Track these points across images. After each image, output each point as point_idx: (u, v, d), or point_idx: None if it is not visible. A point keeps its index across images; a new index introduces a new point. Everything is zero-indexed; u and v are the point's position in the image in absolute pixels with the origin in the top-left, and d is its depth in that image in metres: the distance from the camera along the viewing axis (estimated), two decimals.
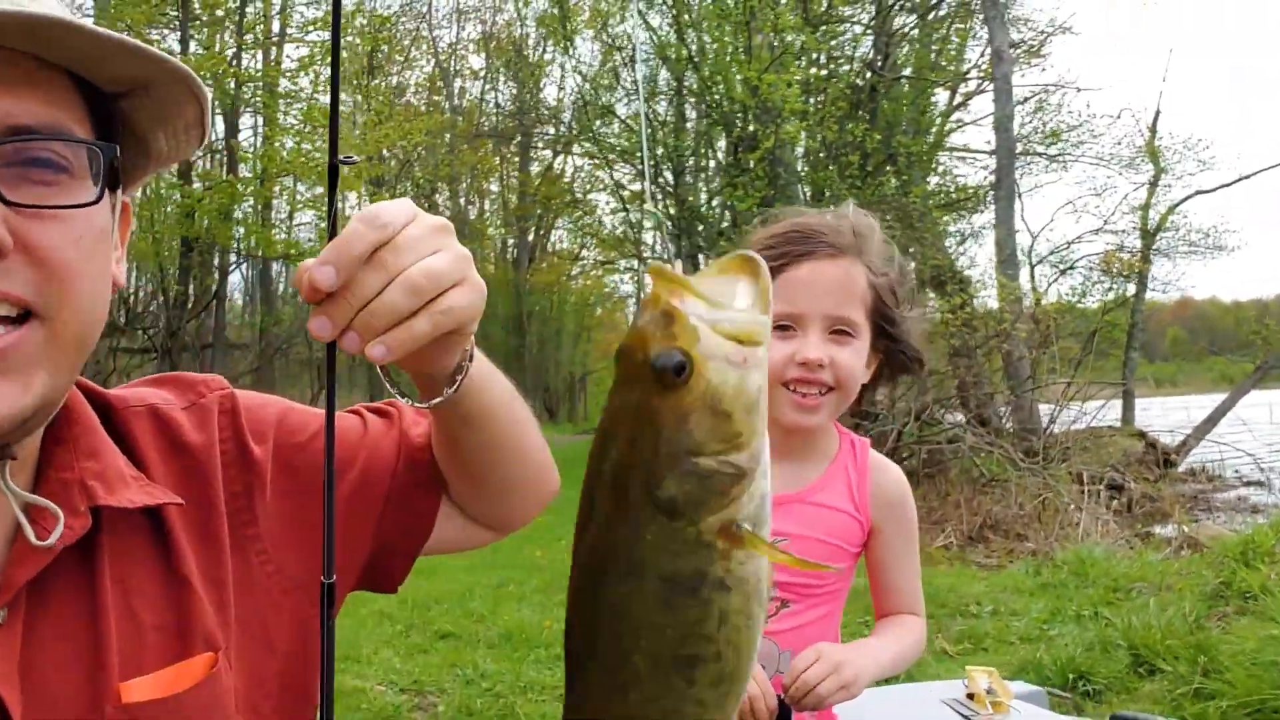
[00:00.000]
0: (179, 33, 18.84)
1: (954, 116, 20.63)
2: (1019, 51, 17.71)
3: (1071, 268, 18.74)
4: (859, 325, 1.79)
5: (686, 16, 15.39)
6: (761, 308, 0.76)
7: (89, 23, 0.87)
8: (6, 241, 0.83)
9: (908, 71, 17.46)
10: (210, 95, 1.00)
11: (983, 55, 17.27)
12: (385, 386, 0.92)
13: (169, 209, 18.42)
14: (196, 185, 17.49)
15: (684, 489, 0.75)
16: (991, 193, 17.11)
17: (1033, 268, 19.16)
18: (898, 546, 1.88)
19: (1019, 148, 17.90)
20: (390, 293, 0.82)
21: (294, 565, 1.08)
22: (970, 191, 19.28)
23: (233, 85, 18.62)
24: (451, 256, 0.87)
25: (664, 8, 15.74)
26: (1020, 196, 16.96)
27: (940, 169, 19.87)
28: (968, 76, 19.16)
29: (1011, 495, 11.01)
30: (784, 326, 1.76)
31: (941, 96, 20.38)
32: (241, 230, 18.39)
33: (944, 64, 19.25)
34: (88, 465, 0.97)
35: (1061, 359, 13.30)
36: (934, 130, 19.12)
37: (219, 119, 21.17)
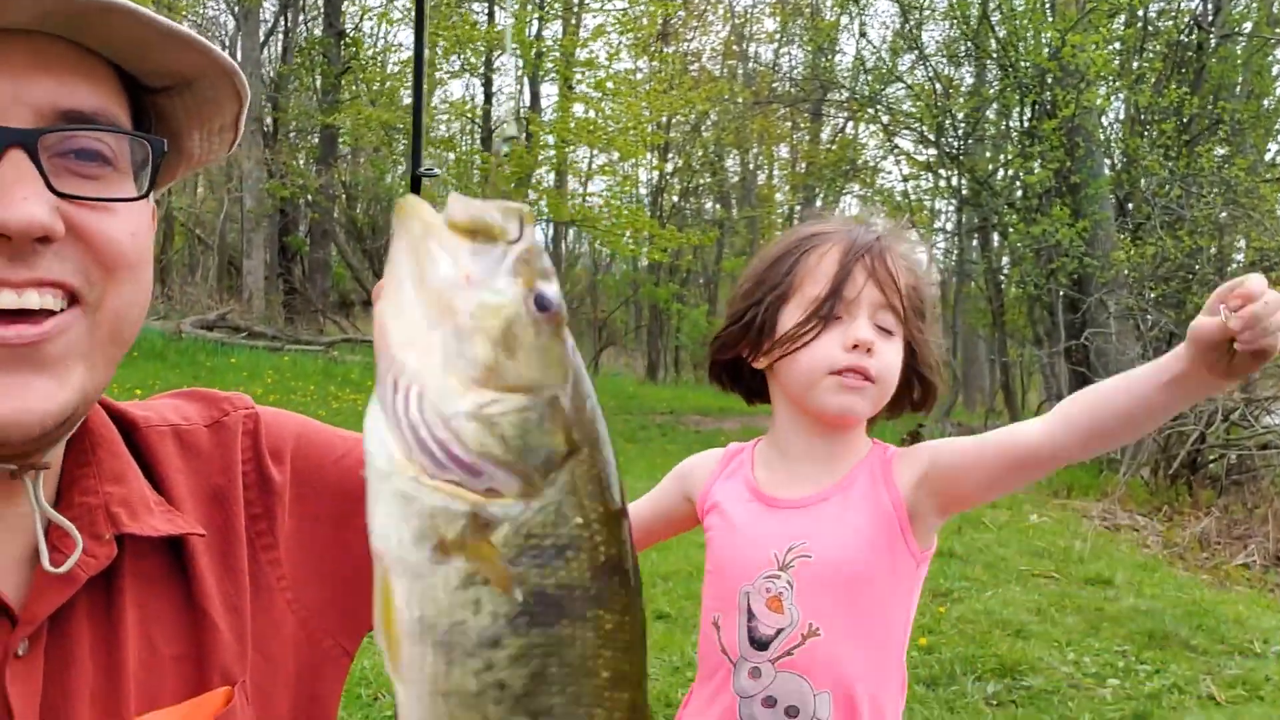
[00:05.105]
0: (486, 4, 20.03)
1: None
2: None
3: None
4: (896, 325, 1.62)
5: None
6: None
7: (140, 6, 0.82)
8: (57, 228, 0.80)
9: (1247, 26, 15.40)
10: (250, 95, 0.94)
11: None
12: None
13: (474, 170, 19.70)
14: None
15: None
16: None
17: None
18: (961, 442, 1.62)
19: None
20: None
21: (312, 593, 1.05)
22: None
23: (534, 55, 19.49)
24: None
25: None
26: None
27: None
28: None
29: None
30: (834, 316, 1.60)
31: None
32: (533, 194, 19.28)
33: None
34: (112, 490, 0.94)
35: None
36: (1275, 94, 16.79)
37: (525, 87, 22.30)
